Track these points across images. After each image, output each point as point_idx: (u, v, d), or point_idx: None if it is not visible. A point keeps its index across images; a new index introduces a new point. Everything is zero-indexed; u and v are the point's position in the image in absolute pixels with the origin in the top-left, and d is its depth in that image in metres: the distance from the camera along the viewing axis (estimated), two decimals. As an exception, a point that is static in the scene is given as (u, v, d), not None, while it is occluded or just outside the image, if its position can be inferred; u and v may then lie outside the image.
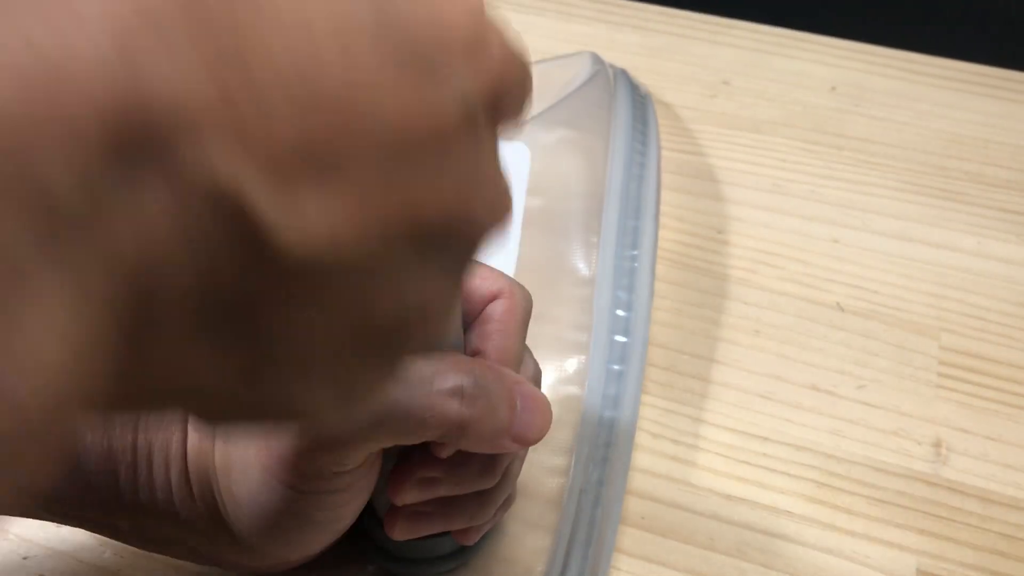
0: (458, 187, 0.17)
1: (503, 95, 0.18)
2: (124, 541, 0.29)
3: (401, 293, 0.16)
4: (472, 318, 0.28)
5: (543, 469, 0.34)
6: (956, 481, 0.35)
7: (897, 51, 0.53)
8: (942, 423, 0.36)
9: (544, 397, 0.27)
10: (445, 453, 0.26)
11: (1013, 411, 0.37)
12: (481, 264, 0.29)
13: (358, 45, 0.15)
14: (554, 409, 0.35)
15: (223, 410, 0.16)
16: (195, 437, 0.27)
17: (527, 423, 0.26)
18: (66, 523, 0.28)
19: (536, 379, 0.30)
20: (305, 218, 0.14)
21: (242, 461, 0.25)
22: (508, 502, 0.30)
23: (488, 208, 0.18)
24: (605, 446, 0.34)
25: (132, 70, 0.12)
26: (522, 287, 0.29)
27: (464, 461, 0.27)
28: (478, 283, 0.28)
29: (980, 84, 0.51)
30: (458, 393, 0.25)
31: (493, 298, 0.28)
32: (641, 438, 0.36)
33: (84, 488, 0.26)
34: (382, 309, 0.16)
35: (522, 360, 0.29)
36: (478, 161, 0.17)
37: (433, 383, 0.25)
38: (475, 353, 0.27)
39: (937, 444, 0.36)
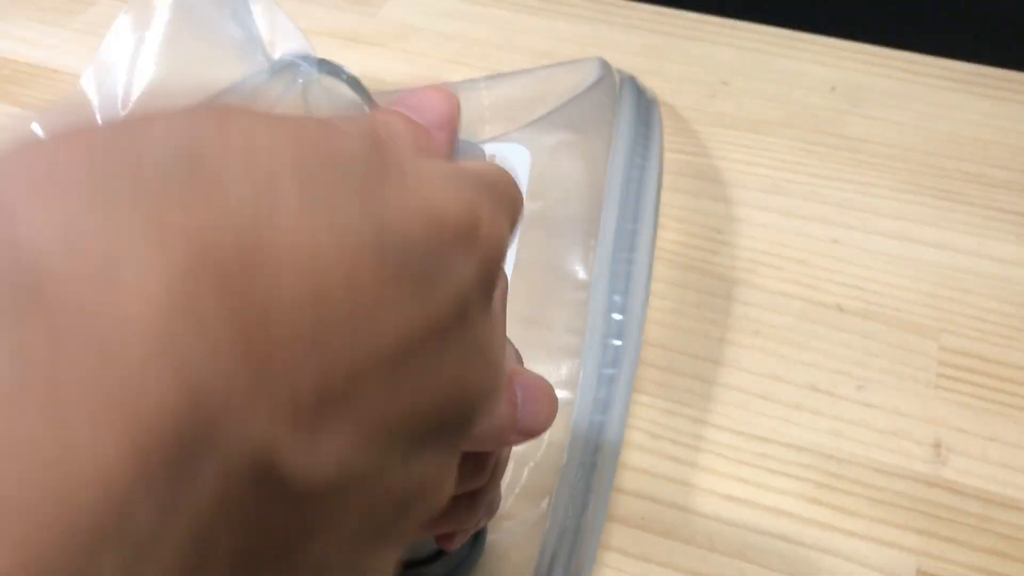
0: (452, 375, 0.17)
1: (496, 265, 0.18)
2: None
3: (397, 483, 0.17)
4: None
5: (531, 474, 0.34)
6: (956, 481, 0.34)
7: (897, 51, 0.53)
8: (942, 424, 0.36)
9: (544, 382, 0.26)
10: None
11: (1013, 411, 0.37)
12: None
13: (362, 269, 0.15)
14: None
15: None
16: None
17: (532, 413, 0.25)
18: None
19: (518, 360, 0.30)
20: (319, 453, 0.14)
21: None
22: (493, 505, 0.30)
23: (480, 389, 0.18)
24: (594, 452, 0.34)
25: (180, 380, 0.12)
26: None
27: None
28: None
29: (980, 84, 0.51)
30: None
31: None
32: (640, 439, 0.36)
33: None
34: (382, 500, 0.17)
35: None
36: (472, 344, 0.17)
37: None
38: None
39: (937, 445, 0.36)
